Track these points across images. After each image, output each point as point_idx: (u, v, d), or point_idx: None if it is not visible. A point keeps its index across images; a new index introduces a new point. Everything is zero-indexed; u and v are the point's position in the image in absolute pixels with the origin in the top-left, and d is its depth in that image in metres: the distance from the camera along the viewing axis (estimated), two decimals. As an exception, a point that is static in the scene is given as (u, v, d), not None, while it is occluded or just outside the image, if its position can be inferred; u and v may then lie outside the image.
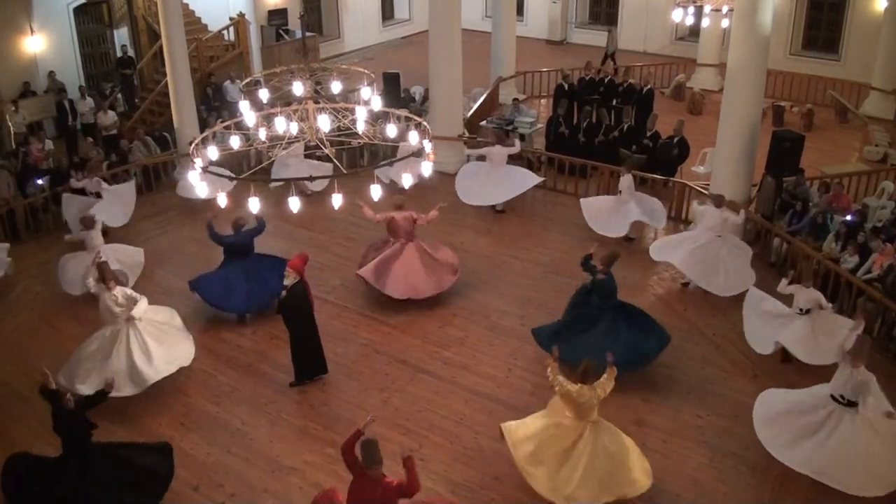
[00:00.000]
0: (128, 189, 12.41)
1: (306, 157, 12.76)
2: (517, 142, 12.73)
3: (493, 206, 12.69)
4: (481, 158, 12.77)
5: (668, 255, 10.32)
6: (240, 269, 9.88)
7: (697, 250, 10.05)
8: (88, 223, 10.47)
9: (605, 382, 6.83)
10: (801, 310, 8.54)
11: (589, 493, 6.66)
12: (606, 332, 8.41)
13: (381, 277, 9.97)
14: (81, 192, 11.95)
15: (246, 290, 9.79)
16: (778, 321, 8.67)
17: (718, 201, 10.20)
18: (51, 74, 16.02)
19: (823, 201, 11.01)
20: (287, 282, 8.38)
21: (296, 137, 7.53)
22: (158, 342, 8.47)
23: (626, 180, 11.44)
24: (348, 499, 5.75)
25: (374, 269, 9.98)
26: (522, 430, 7.09)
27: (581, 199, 11.98)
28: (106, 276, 8.40)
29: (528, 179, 12.51)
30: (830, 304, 8.65)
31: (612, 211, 11.55)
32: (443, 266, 10.20)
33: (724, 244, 10.07)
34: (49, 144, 13.82)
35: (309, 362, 8.74)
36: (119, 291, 8.39)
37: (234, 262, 9.96)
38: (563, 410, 6.93)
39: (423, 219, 10.12)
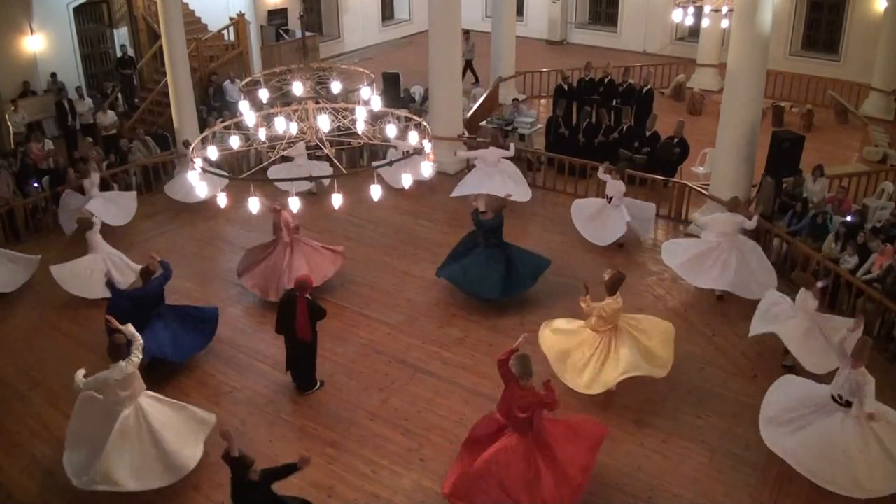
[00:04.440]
0: (128, 197, 12.35)
1: (308, 157, 12.77)
2: (512, 145, 12.66)
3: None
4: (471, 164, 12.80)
5: (700, 280, 10.03)
6: (156, 319, 8.73)
7: (725, 262, 9.86)
8: (85, 224, 10.38)
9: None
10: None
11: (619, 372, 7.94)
12: (495, 260, 9.90)
13: (272, 284, 10.04)
14: (81, 190, 11.97)
15: (171, 335, 8.69)
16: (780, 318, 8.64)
17: (732, 205, 10.12)
18: (53, 76, 16.02)
19: (823, 201, 11.01)
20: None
21: (297, 138, 7.54)
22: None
23: (617, 185, 11.37)
24: (500, 404, 6.82)
25: (265, 285, 10.06)
26: (557, 344, 8.31)
27: (573, 205, 11.87)
28: (120, 351, 6.96)
29: (518, 179, 12.49)
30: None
31: (602, 217, 11.47)
32: (325, 256, 10.34)
33: (738, 245, 9.98)
34: (48, 144, 13.83)
35: (297, 373, 8.69)
36: (123, 365, 6.91)
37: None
38: (589, 326, 8.20)
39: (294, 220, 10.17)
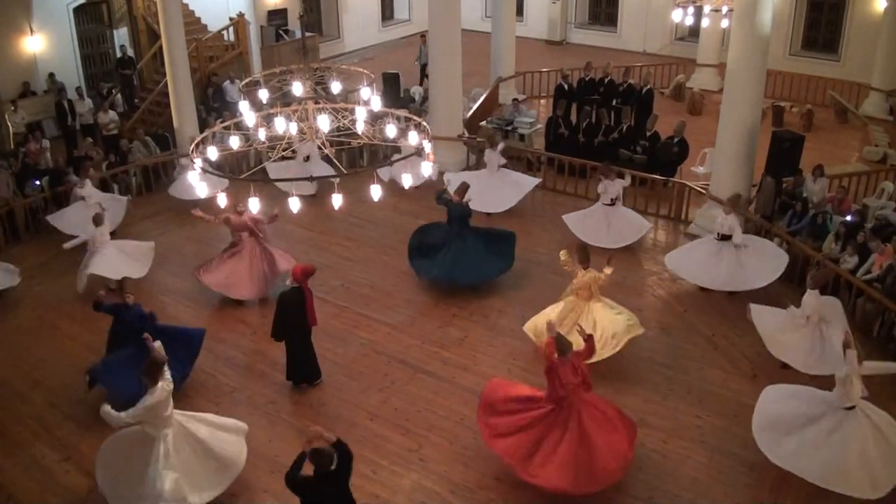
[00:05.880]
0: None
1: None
2: (501, 142, 12.70)
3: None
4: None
5: (698, 279, 10.14)
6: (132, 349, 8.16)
7: (721, 263, 9.94)
8: (98, 220, 10.33)
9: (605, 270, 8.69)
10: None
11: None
12: (463, 249, 10.20)
13: (231, 285, 10.10)
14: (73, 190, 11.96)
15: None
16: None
17: (734, 202, 10.10)
18: (51, 76, 16.03)
19: (824, 201, 11.01)
20: (288, 282, 8.52)
21: (298, 138, 7.54)
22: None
23: (616, 185, 11.34)
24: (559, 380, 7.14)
25: (224, 280, 10.07)
26: (541, 320, 8.75)
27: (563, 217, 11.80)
28: (159, 371, 6.71)
29: (525, 183, 12.49)
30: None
31: (597, 220, 11.45)
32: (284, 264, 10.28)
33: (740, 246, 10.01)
34: (46, 143, 13.83)
35: (296, 367, 8.66)
36: (163, 385, 6.67)
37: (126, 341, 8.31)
38: (574, 299, 8.93)
39: (263, 220, 10.13)
